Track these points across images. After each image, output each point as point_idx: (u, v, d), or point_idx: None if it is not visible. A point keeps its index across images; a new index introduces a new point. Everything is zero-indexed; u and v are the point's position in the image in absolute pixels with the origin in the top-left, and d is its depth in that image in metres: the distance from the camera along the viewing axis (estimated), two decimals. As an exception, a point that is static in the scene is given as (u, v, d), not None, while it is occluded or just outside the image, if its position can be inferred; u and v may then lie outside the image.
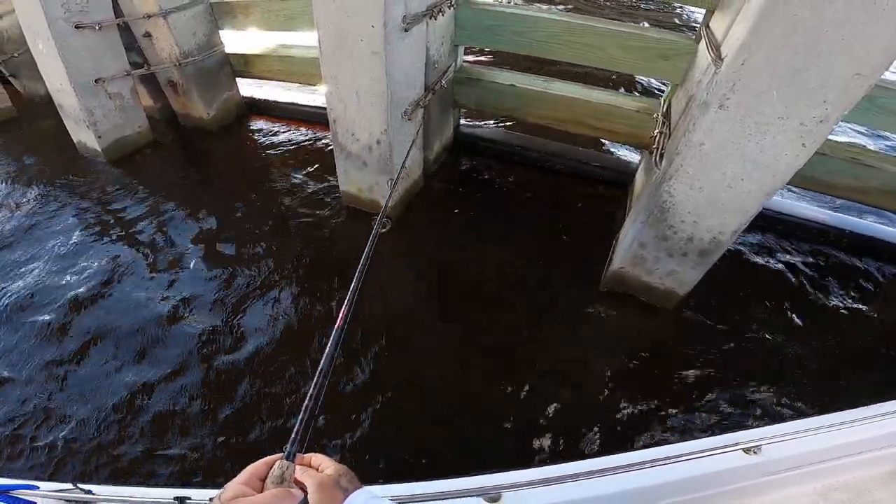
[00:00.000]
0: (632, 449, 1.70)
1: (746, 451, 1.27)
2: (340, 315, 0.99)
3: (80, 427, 2.24)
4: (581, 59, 2.84)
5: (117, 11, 3.65)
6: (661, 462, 1.24)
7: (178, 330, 2.66)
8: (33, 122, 4.65)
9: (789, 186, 2.19)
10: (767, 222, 3.32)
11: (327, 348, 0.92)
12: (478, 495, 1.16)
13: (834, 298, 2.97)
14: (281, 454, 0.77)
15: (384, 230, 1.44)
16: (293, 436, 0.78)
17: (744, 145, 1.91)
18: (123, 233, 3.32)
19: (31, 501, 0.97)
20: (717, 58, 1.96)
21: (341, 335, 0.96)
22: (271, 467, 0.75)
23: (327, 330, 1.04)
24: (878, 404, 1.42)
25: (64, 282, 2.94)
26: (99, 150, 3.90)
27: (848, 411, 1.40)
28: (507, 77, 3.27)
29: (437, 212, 3.49)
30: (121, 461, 2.12)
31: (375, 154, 2.94)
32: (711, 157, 2.01)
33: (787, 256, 3.23)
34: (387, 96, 2.62)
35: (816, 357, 2.62)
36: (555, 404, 2.34)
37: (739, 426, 1.91)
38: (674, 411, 2.34)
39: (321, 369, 0.88)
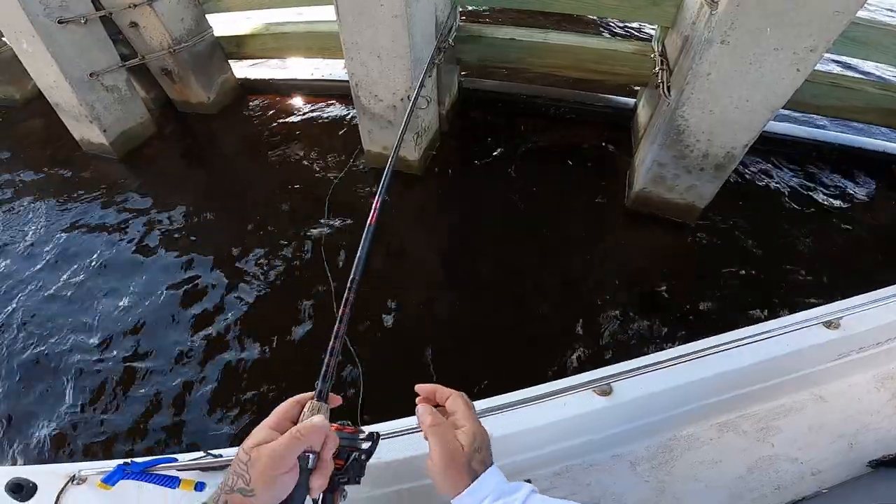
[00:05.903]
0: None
1: (827, 325, 1.25)
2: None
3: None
4: (579, 10, 3.09)
5: (96, 4, 3.58)
6: (748, 340, 1.23)
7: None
8: (16, 125, 4.54)
9: (782, 110, 2.54)
10: (768, 144, 3.58)
11: (353, 267, 0.84)
12: (589, 389, 1.18)
13: (831, 200, 3.39)
14: (312, 393, 0.69)
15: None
16: (323, 369, 0.70)
17: (746, 72, 2.24)
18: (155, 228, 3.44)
19: (174, 476, 1.01)
20: (712, 0, 2.27)
21: (370, 236, 0.91)
22: (304, 406, 0.67)
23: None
24: None
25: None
26: (106, 143, 3.90)
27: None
28: (505, 32, 3.47)
29: (457, 162, 3.71)
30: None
31: (400, 112, 3.13)
32: (718, 84, 2.33)
33: (789, 172, 3.61)
34: (410, 56, 2.80)
35: (828, 251, 3.02)
36: (603, 313, 2.70)
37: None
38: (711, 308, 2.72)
39: (346, 299, 0.79)
